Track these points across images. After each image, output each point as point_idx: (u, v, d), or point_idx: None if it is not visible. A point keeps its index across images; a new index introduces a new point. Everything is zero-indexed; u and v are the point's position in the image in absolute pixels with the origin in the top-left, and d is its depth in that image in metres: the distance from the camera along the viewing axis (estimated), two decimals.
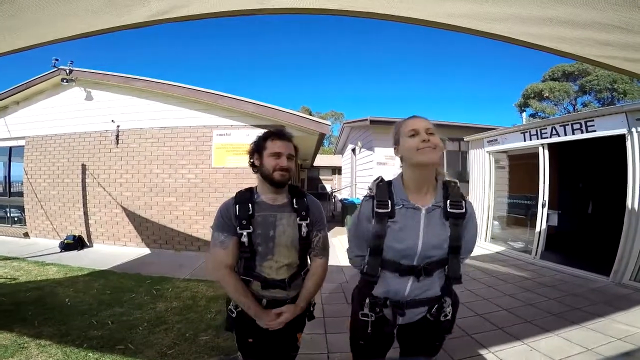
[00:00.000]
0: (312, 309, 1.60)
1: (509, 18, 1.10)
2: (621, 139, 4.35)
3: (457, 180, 1.33)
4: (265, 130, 1.54)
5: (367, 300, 1.33)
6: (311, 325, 1.74)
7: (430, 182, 1.28)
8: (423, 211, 1.25)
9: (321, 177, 23.85)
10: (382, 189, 1.31)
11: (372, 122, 8.25)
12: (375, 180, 1.37)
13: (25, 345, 2.59)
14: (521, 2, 1.04)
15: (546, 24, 1.12)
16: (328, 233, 1.64)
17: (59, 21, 1.28)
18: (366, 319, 1.33)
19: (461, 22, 1.19)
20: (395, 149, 1.34)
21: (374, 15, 1.21)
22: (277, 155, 1.43)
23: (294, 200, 1.51)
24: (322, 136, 7.00)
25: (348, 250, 1.49)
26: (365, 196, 1.38)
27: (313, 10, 1.21)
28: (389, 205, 1.26)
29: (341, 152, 15.64)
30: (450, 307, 1.31)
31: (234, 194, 1.52)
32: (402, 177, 1.32)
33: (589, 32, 1.13)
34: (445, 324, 1.31)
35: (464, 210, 1.25)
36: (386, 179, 1.38)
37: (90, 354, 2.49)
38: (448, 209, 1.24)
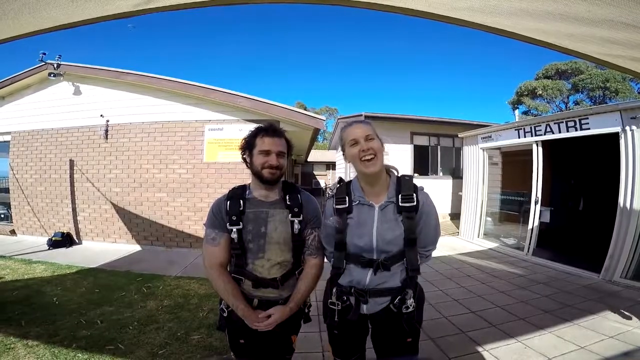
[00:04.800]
0: (307, 310, 1.56)
1: (517, 12, 1.05)
2: (614, 137, 4.38)
3: (411, 174, 1.43)
4: (258, 126, 1.49)
5: (335, 290, 1.41)
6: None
7: (381, 181, 1.37)
8: (376, 208, 1.34)
9: (315, 173, 23.82)
10: (341, 188, 1.41)
11: (367, 117, 8.21)
12: (336, 182, 1.49)
13: (12, 345, 2.53)
14: None
15: (555, 20, 1.07)
16: None
17: (38, 11, 1.20)
18: (333, 307, 1.40)
19: (464, 15, 1.14)
20: (343, 154, 1.43)
21: (372, 6, 1.16)
22: (266, 153, 1.40)
23: (287, 197, 1.47)
24: (316, 131, 6.94)
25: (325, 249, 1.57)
26: (328, 196, 1.47)
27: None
28: (347, 201, 1.36)
29: (335, 147, 15.59)
30: (412, 300, 1.34)
31: (226, 190, 1.50)
32: (358, 177, 1.42)
33: (598, 29, 1.09)
34: (408, 316, 1.33)
35: (415, 202, 1.30)
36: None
37: (79, 355, 2.43)
38: (400, 204, 1.31)
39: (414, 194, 1.32)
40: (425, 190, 1.38)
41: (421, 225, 1.34)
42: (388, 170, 1.41)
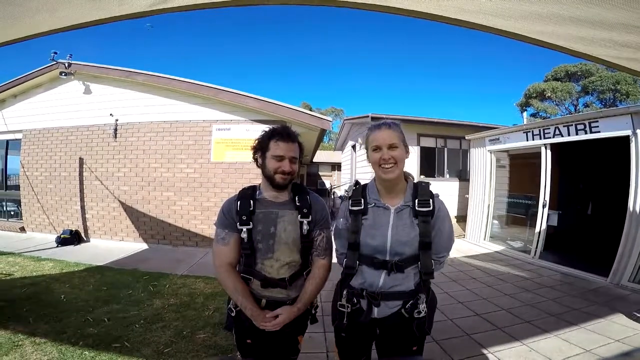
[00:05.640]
0: (314, 311, 1.57)
1: (527, 15, 1.05)
2: (625, 140, 4.32)
3: (428, 181, 1.43)
4: (271, 127, 1.48)
5: (345, 292, 1.41)
6: None
7: (399, 185, 1.39)
8: (392, 210, 1.35)
9: (320, 173, 23.80)
10: (357, 191, 1.44)
11: (373, 119, 8.18)
12: (352, 184, 1.50)
13: (20, 343, 2.55)
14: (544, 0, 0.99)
15: (565, 23, 1.06)
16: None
17: (56, 10, 1.22)
18: (343, 309, 1.40)
19: (473, 17, 1.14)
20: (366, 154, 1.43)
21: (381, 8, 1.16)
22: (280, 158, 1.40)
23: (296, 198, 1.48)
24: (322, 132, 6.95)
25: (335, 250, 1.57)
26: (343, 198, 1.48)
27: (317, 1, 1.16)
28: (362, 203, 1.38)
29: (341, 148, 15.60)
30: (424, 305, 1.35)
31: (233, 190, 1.50)
32: (375, 180, 1.44)
33: (609, 32, 1.09)
34: (419, 321, 1.34)
35: (431, 207, 1.33)
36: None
37: (86, 352, 2.45)
38: (416, 208, 1.33)
39: (431, 199, 1.35)
40: (440, 197, 1.41)
41: (435, 231, 1.35)
42: (406, 176, 1.44)
